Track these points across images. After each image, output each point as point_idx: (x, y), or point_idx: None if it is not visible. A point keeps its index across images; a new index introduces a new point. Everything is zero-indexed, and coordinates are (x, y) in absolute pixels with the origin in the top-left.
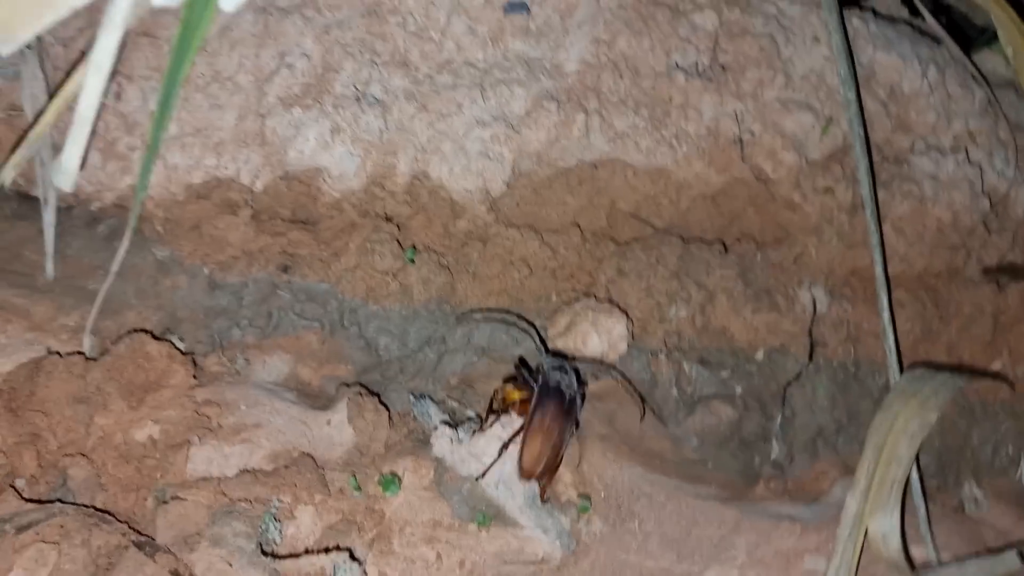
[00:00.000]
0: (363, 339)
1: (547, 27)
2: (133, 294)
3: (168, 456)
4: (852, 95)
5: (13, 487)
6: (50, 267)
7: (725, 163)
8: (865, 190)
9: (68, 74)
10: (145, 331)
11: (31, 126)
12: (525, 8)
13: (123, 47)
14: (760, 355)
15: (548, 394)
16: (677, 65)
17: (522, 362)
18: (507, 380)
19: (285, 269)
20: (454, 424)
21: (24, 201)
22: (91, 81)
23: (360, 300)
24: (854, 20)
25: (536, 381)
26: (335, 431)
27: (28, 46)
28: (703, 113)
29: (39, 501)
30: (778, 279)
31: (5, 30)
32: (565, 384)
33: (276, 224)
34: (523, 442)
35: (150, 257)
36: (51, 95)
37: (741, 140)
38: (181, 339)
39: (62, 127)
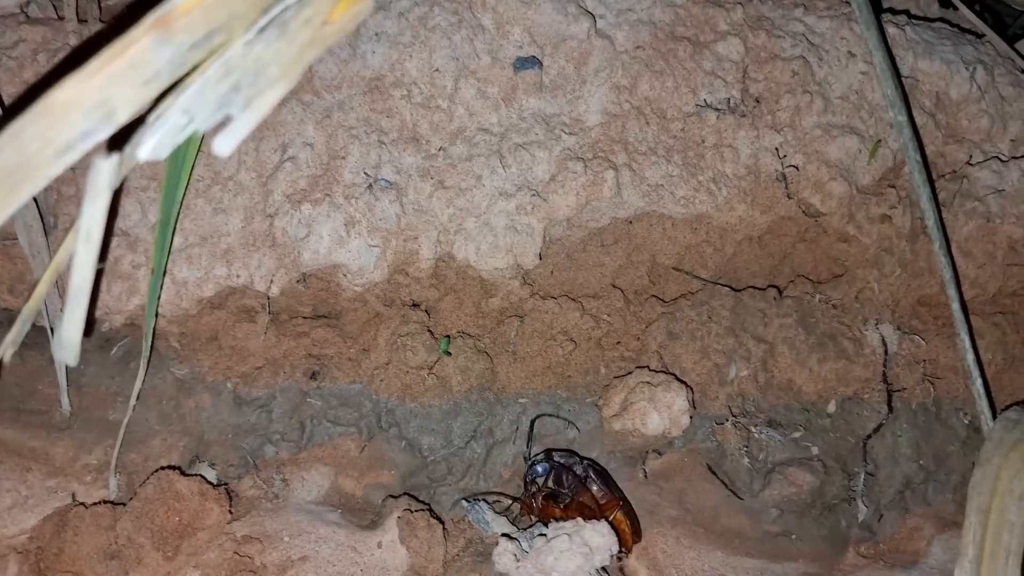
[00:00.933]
0: (404, 440)
1: (562, 79)
2: (156, 419)
3: None
4: (903, 117)
5: None
6: (65, 401)
7: (769, 202)
8: (931, 220)
9: (62, 211)
10: (172, 467)
11: (33, 259)
12: (536, 63)
13: None
14: (832, 407)
15: (583, 478)
16: (706, 103)
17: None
18: (536, 494)
19: (313, 375)
20: (513, 526)
21: (32, 330)
22: (81, 252)
23: (396, 399)
24: (889, 28)
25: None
26: (387, 554)
27: None
28: (740, 151)
29: None
30: (841, 321)
31: None
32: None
33: (298, 324)
34: (615, 519)
35: (169, 377)
36: (43, 219)
37: (784, 175)
38: (212, 465)
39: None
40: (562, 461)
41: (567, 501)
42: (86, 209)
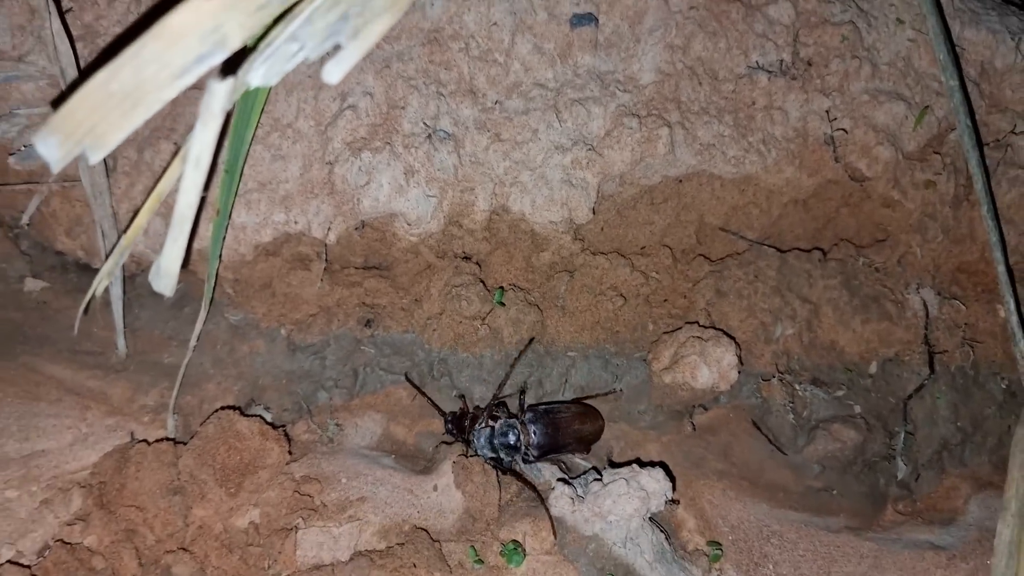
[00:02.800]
0: (455, 389)
1: (616, 37)
2: (210, 364)
3: (274, 543)
4: (955, 81)
5: None
6: (121, 344)
7: (816, 165)
8: (979, 184)
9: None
10: (232, 407)
11: (94, 200)
12: (593, 19)
13: (174, 103)
14: (874, 368)
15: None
16: (758, 64)
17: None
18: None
19: (367, 323)
20: (569, 479)
21: (85, 271)
22: (189, 177)
23: (448, 349)
24: None
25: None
26: (443, 497)
27: None
28: (789, 114)
29: None
30: (884, 284)
31: (95, 136)
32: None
33: (350, 274)
34: None
35: (223, 322)
36: (104, 160)
37: (832, 139)
38: (267, 408)
39: (118, 194)
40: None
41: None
42: (198, 133)
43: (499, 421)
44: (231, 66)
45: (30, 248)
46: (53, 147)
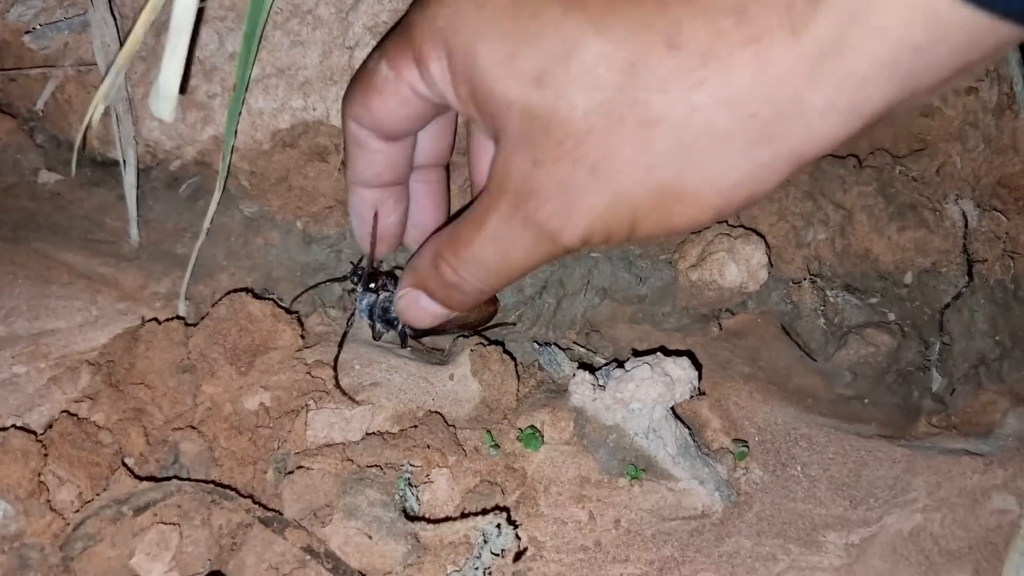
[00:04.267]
0: None
1: None
2: (224, 255)
3: (284, 424)
4: None
5: (125, 465)
6: (134, 232)
7: None
8: (1019, 86)
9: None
10: (245, 290)
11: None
12: None
13: None
14: (909, 278)
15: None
16: None
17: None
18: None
19: None
20: (592, 369)
21: (99, 166)
22: None
23: None
24: None
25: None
26: (460, 386)
27: None
28: None
29: (153, 479)
30: (921, 193)
31: None
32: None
33: None
34: None
35: (238, 215)
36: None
37: None
38: (280, 299)
39: (141, 77)
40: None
41: None
42: None
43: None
44: None
45: (45, 141)
46: None
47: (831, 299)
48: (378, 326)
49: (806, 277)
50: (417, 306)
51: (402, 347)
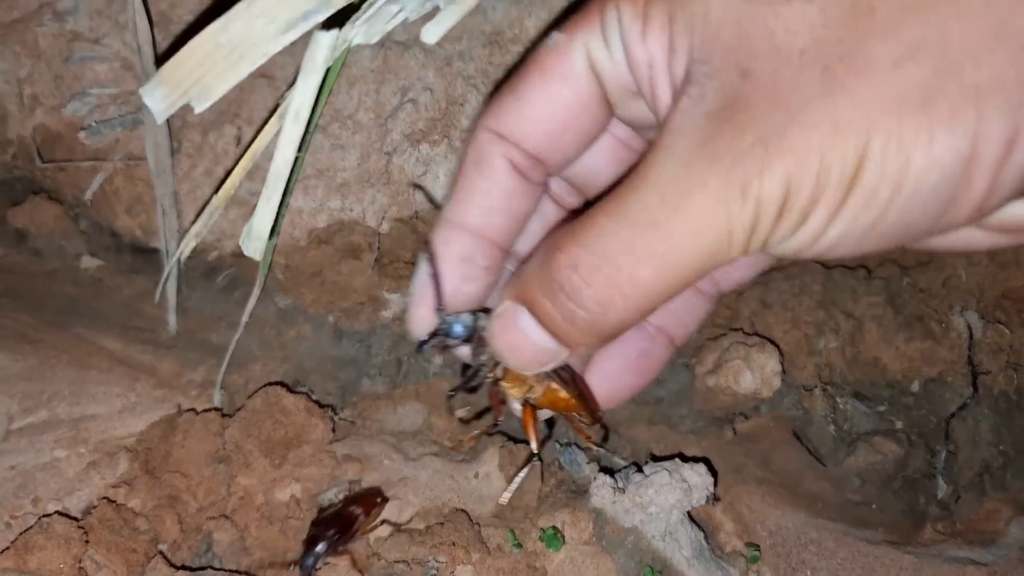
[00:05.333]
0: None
1: None
2: (257, 346)
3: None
4: None
5: (161, 553)
6: (172, 321)
7: None
8: None
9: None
10: (280, 384)
11: (157, 177)
12: None
13: (240, 89)
14: (916, 387)
15: None
16: None
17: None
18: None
19: None
20: (611, 472)
21: (139, 254)
22: (288, 131)
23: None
24: None
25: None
26: (484, 484)
27: None
28: None
29: (189, 568)
30: (928, 304)
31: (200, 87)
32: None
33: (399, 267)
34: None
35: (272, 307)
36: (171, 140)
37: None
38: (310, 391)
39: (179, 175)
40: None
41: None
42: (300, 85)
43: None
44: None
45: (88, 227)
46: (158, 99)
47: (841, 406)
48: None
49: (817, 384)
50: (515, 330)
51: (464, 386)
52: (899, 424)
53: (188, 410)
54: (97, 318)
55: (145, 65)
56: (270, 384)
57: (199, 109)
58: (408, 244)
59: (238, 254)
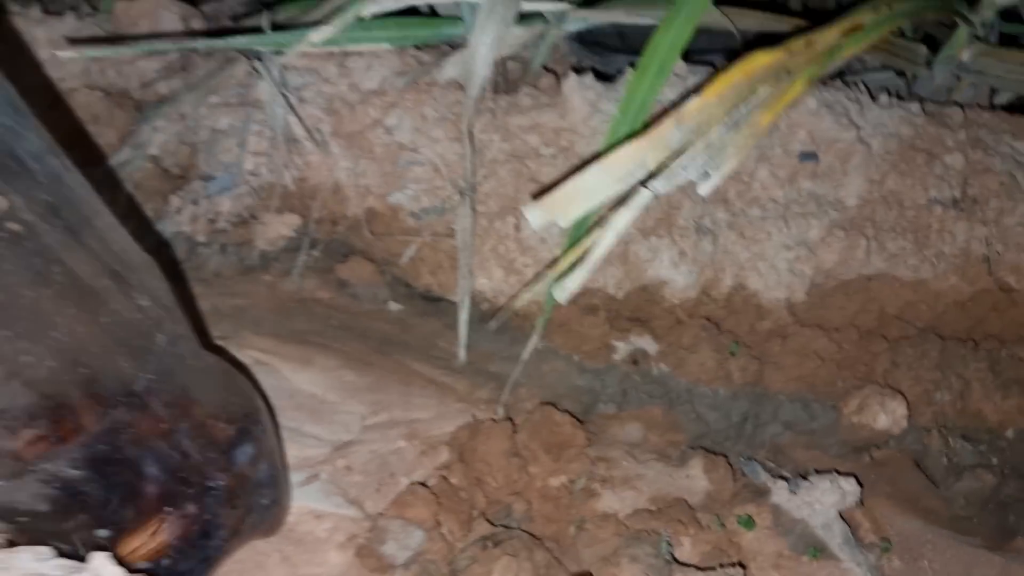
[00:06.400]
0: (695, 413)
1: (830, 170)
2: (522, 375)
3: (577, 498)
4: None
5: (483, 515)
6: (462, 354)
7: (974, 277)
8: None
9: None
10: (551, 404)
11: (462, 250)
12: (815, 156)
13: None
14: (1011, 433)
15: None
16: (935, 199)
17: None
18: None
19: (635, 362)
20: (785, 478)
21: (430, 302)
22: (608, 237)
23: (692, 382)
24: None
25: None
26: (691, 482)
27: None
28: (956, 237)
29: (495, 525)
30: (1021, 371)
31: (564, 213)
32: None
33: (623, 323)
34: None
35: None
36: (472, 226)
37: (988, 258)
38: (562, 411)
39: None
40: None
41: None
42: (622, 213)
43: None
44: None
45: (391, 280)
46: (537, 216)
47: (951, 444)
48: None
49: (934, 427)
50: None
51: None
52: (995, 460)
53: (486, 419)
54: (407, 349)
55: (467, 182)
56: (543, 403)
57: (563, 225)
58: (632, 305)
59: (506, 305)
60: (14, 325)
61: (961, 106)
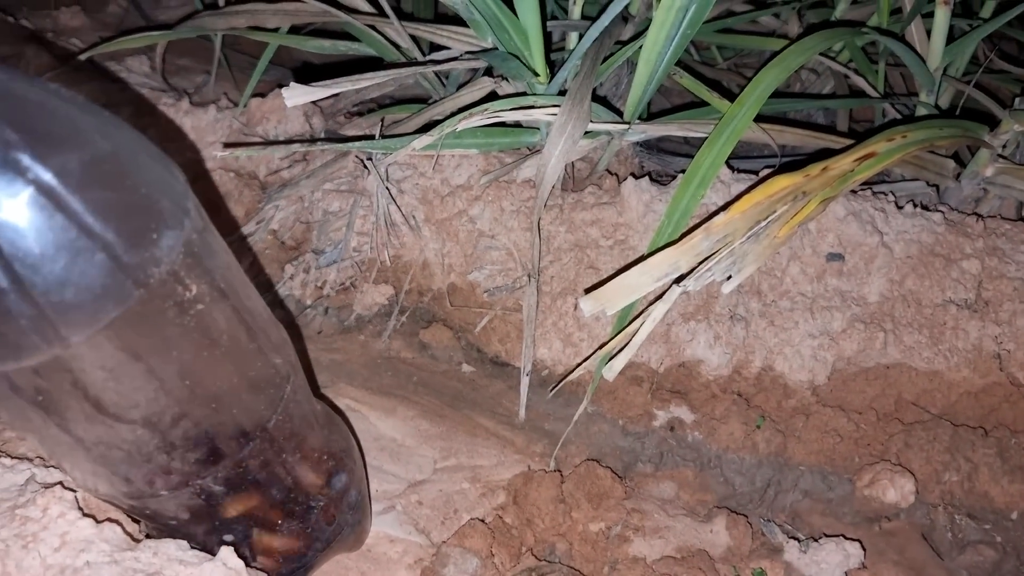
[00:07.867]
0: (723, 477)
1: (855, 270)
2: (572, 434)
3: (612, 542)
4: None
5: (531, 551)
6: (522, 412)
7: (986, 371)
8: None
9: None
10: (595, 460)
11: (527, 324)
12: (841, 257)
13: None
14: (1015, 515)
15: None
16: (950, 299)
17: None
18: None
19: (671, 428)
20: (796, 539)
21: (497, 366)
22: (647, 325)
23: (722, 449)
24: None
25: None
26: (715, 537)
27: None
28: (969, 334)
29: (543, 561)
30: None
31: (609, 304)
32: None
33: (663, 395)
34: None
35: (583, 411)
36: (536, 306)
37: (999, 355)
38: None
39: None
40: None
41: None
42: (658, 306)
43: None
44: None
45: (465, 345)
46: (589, 306)
47: (957, 521)
48: None
49: (941, 504)
50: None
51: None
52: (999, 538)
53: (538, 470)
54: (475, 405)
55: (534, 266)
56: (588, 459)
57: (609, 313)
58: (671, 380)
59: (561, 375)
60: (192, 379)
61: (981, 216)
